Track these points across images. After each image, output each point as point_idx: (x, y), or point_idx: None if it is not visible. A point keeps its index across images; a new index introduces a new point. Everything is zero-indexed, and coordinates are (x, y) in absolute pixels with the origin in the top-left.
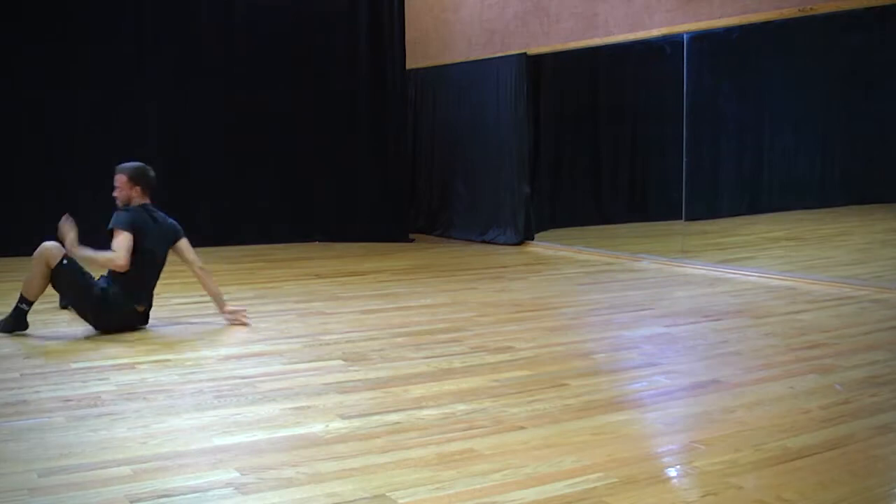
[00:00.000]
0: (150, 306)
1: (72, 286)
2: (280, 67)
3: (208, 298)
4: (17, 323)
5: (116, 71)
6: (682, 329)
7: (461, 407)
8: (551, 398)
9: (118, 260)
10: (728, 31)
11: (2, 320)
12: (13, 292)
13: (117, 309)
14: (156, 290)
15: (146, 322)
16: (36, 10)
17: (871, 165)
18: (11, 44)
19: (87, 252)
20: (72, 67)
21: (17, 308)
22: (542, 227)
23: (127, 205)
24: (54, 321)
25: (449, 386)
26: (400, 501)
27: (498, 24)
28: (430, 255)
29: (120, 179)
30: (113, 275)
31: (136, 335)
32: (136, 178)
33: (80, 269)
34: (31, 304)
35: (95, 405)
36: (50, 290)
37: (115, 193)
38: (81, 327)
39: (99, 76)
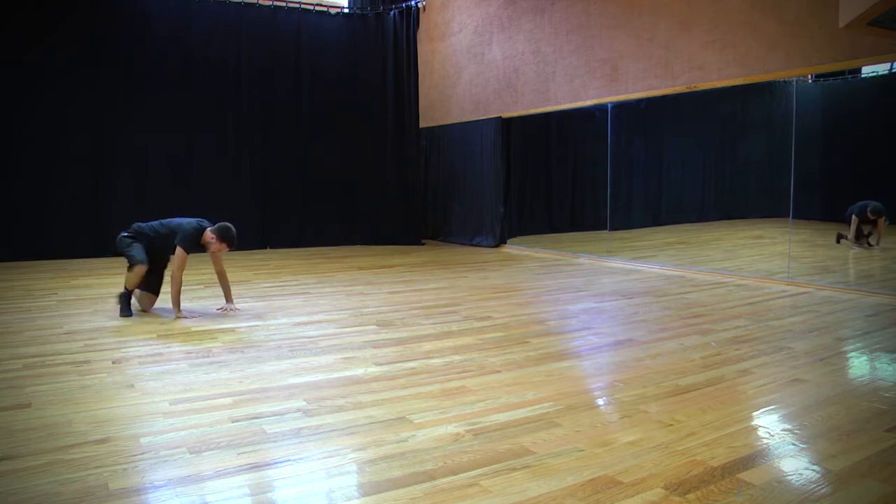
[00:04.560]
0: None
1: None
2: (333, 125)
3: (286, 282)
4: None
5: (234, 135)
6: (607, 304)
7: (457, 357)
8: (518, 351)
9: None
10: (638, 102)
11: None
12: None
13: None
14: (250, 277)
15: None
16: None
17: (735, 192)
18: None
19: None
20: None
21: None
22: (512, 235)
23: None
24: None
25: (448, 343)
26: (415, 421)
27: (482, 96)
28: (435, 253)
29: None
30: None
31: (237, 306)
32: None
33: None
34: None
35: (208, 356)
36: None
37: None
38: (199, 308)
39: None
